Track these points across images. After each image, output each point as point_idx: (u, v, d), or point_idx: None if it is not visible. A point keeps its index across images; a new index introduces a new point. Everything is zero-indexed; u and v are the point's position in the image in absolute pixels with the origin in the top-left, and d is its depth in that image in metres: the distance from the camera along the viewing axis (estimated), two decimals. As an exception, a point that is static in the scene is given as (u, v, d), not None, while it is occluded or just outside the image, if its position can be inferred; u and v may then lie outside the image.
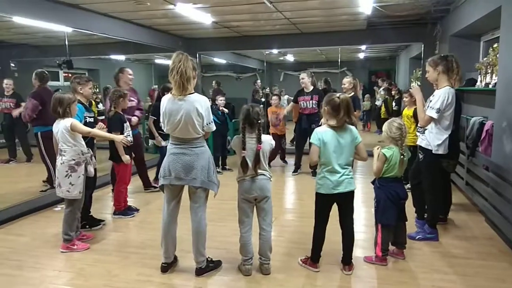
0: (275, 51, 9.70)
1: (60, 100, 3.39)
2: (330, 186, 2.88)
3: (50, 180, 5.15)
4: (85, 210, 3.92)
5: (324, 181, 2.90)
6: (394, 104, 8.90)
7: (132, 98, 4.98)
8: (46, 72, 5.44)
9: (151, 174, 5.55)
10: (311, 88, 6.14)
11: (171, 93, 2.88)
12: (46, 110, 5.05)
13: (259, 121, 2.89)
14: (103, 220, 4.17)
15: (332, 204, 2.98)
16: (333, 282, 2.92)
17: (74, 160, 3.42)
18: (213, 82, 10.22)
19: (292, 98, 7.04)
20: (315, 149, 2.89)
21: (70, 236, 3.49)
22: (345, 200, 2.96)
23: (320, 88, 7.26)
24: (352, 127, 2.93)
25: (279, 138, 6.81)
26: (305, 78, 6.09)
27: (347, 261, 3.04)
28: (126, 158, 4.19)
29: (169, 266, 3.08)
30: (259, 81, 11.08)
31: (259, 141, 2.89)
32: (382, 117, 9.28)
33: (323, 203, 2.98)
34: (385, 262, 3.15)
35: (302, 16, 6.43)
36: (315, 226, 3.05)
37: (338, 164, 2.86)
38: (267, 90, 11.14)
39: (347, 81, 5.93)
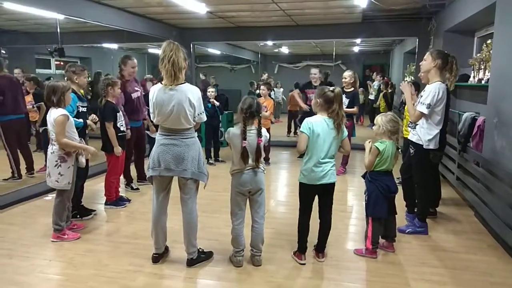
0: (270, 43, 9.64)
1: (54, 89, 3.33)
2: (314, 178, 2.92)
3: (15, 170, 5.18)
4: (76, 200, 3.90)
5: (309, 172, 2.93)
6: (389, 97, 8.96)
7: (136, 88, 4.94)
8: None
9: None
10: (319, 83, 6.18)
11: (161, 83, 2.84)
12: (5, 98, 4.96)
13: (260, 114, 2.89)
14: (94, 210, 4.16)
15: (315, 194, 3.01)
16: (323, 273, 2.94)
17: (64, 150, 3.38)
18: (201, 74, 10.13)
19: (289, 91, 7.02)
20: (304, 138, 2.91)
21: (60, 226, 3.47)
22: (327, 192, 3.00)
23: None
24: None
25: None
26: (317, 74, 6.18)
27: (321, 249, 3.13)
28: (118, 150, 4.16)
29: (160, 256, 3.08)
30: (265, 76, 10.84)
31: (259, 134, 2.86)
32: (381, 110, 9.30)
33: (305, 193, 3.02)
34: (375, 255, 3.18)
35: (298, 8, 6.40)
36: (299, 216, 3.09)
37: (324, 155, 2.89)
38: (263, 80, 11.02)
39: (348, 75, 5.68)
